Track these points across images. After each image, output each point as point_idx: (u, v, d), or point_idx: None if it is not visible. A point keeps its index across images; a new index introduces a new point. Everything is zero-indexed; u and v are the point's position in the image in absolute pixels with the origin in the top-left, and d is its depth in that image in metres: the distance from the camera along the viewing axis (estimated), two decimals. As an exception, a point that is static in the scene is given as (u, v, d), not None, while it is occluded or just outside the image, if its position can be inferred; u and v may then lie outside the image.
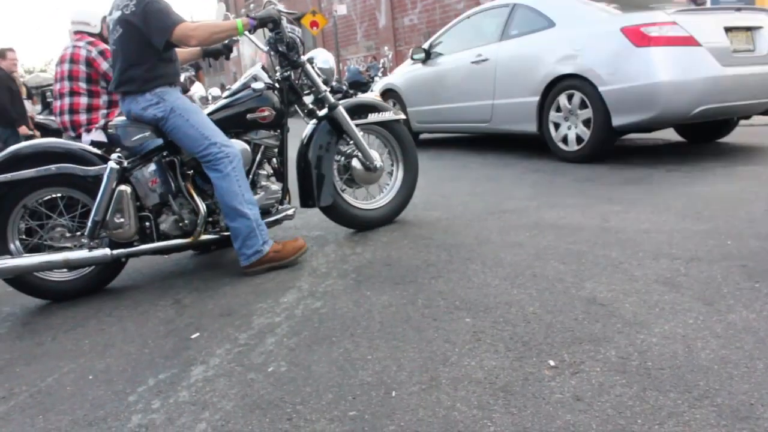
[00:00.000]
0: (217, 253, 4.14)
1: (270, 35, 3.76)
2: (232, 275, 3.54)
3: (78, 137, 4.82)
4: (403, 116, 4.31)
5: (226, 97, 3.77)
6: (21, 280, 3.36)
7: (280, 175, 3.88)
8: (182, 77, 5.16)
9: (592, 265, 3.02)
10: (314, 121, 4.00)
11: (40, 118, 8.32)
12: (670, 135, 7.89)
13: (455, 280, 2.98)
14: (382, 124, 4.19)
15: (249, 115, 3.66)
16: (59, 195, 3.44)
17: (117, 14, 3.36)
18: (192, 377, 2.29)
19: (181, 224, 3.55)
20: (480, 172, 5.99)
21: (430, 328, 2.46)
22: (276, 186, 3.80)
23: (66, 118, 4.88)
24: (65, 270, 3.48)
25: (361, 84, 17.98)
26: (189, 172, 3.58)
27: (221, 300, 3.14)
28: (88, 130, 4.85)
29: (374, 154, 4.06)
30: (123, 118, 3.52)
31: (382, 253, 3.57)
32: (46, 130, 8.32)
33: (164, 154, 3.55)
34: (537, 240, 3.52)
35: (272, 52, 3.84)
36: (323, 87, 3.89)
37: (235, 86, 3.82)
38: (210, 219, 3.62)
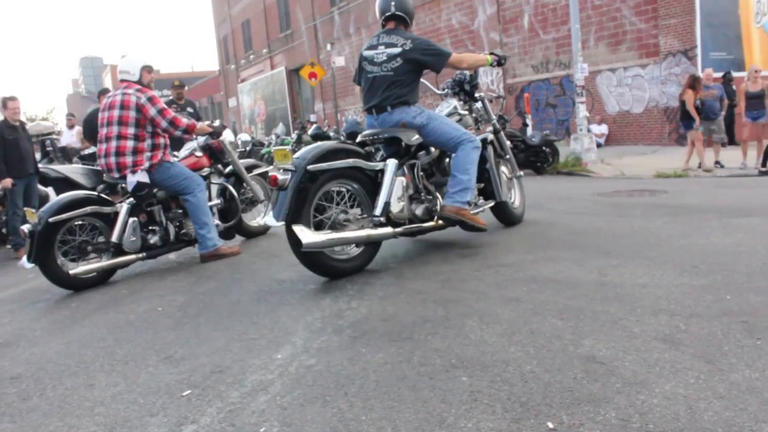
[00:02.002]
0: (211, 302, 4.09)
1: (460, 74, 5.49)
2: (225, 329, 3.49)
3: (122, 178, 5.34)
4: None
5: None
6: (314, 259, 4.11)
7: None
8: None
9: (590, 321, 2.98)
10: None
11: (40, 166, 8.33)
12: (666, 186, 7.93)
13: (452, 337, 2.93)
14: None
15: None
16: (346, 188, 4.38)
17: (391, 51, 4.54)
18: (181, 439, 2.23)
19: (431, 209, 4.74)
20: (476, 224, 5.99)
21: (426, 388, 2.41)
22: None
23: (112, 160, 5.31)
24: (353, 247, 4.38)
25: (358, 134, 18.14)
26: (421, 174, 4.74)
27: (214, 355, 3.08)
28: (134, 172, 5.29)
29: None
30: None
31: (378, 308, 3.52)
32: (45, 179, 8.33)
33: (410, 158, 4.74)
34: (534, 295, 3.48)
35: (455, 89, 5.56)
36: (493, 116, 5.62)
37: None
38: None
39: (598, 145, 14.48)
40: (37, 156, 13.80)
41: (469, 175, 4.59)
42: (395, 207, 4.34)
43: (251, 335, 3.32)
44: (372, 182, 4.41)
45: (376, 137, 4.68)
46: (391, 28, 4.69)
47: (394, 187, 4.34)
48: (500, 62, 5.07)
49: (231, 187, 6.26)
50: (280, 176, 3.96)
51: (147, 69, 5.58)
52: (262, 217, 6.78)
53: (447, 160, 4.98)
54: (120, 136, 5.26)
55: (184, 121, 5.49)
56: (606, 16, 16.28)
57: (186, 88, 10.29)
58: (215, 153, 6.29)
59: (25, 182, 7.80)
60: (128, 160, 5.27)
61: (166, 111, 5.38)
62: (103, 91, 9.64)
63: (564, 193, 8.12)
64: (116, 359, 3.20)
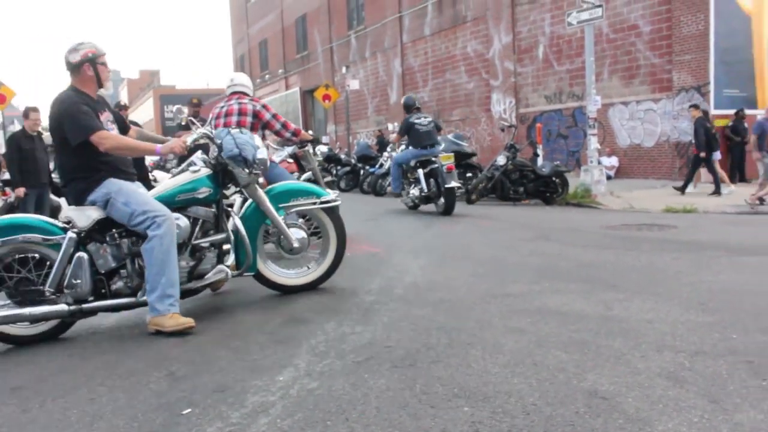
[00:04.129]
0: (216, 323, 4.09)
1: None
2: (228, 348, 3.48)
3: None
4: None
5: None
6: None
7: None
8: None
9: (594, 355, 2.97)
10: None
11: (54, 176, 8.43)
12: (675, 221, 7.91)
13: (455, 366, 2.93)
14: None
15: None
16: None
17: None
18: (180, 458, 2.22)
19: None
20: (484, 253, 5.98)
21: (427, 416, 2.40)
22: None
23: None
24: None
25: (369, 158, 18.17)
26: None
27: (216, 374, 3.08)
28: None
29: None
30: None
31: (383, 334, 3.52)
32: (57, 189, 8.41)
33: None
34: (539, 326, 3.47)
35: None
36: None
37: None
38: None
39: (608, 178, 14.47)
40: (51, 166, 13.95)
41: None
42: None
43: (254, 356, 3.32)
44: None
45: None
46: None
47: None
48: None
49: None
50: None
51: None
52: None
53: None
54: None
55: (293, 126, 6.28)
56: (620, 50, 16.36)
57: (202, 105, 10.39)
58: (298, 160, 6.90)
59: (37, 192, 7.88)
60: None
61: (278, 116, 6.21)
62: (119, 105, 9.70)
63: (572, 224, 8.11)
64: (118, 374, 3.21)
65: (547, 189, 11.62)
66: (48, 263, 3.95)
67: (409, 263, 5.57)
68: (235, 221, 4.46)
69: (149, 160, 12.88)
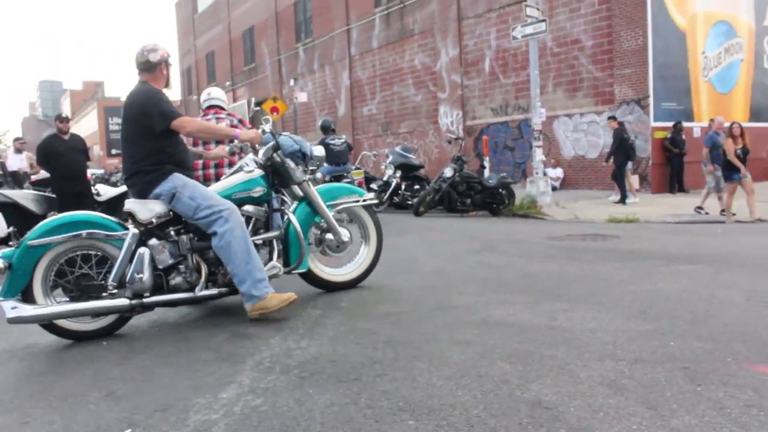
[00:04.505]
0: (160, 339, 4.00)
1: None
2: (171, 365, 3.41)
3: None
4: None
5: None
6: None
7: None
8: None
9: (538, 365, 3.01)
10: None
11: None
12: (618, 231, 8.10)
13: (400, 379, 2.92)
14: None
15: None
16: None
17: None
18: (117, 481, 2.16)
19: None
20: (431, 265, 6.01)
21: (371, 431, 2.39)
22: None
23: (211, 171, 6.00)
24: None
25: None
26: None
27: (158, 393, 3.00)
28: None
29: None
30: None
31: (328, 348, 3.49)
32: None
33: None
34: (484, 338, 3.50)
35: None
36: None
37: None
38: None
39: (554, 189, 14.75)
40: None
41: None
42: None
43: (198, 373, 3.26)
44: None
45: None
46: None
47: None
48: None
49: None
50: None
51: None
52: None
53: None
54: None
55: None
56: (564, 64, 16.74)
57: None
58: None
59: None
60: (225, 170, 5.72)
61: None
62: (60, 117, 9.46)
63: (518, 235, 8.23)
64: (55, 395, 3.10)
65: (493, 200, 11.78)
66: (106, 258, 4.12)
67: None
68: (290, 219, 4.61)
69: (90, 173, 12.67)
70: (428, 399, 2.66)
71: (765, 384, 2.64)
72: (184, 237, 4.26)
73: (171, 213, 4.22)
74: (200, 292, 4.24)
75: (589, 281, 4.88)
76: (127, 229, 4.10)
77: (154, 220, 4.16)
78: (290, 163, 4.67)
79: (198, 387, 3.04)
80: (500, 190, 11.79)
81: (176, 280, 4.23)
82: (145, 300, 4.11)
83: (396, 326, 3.87)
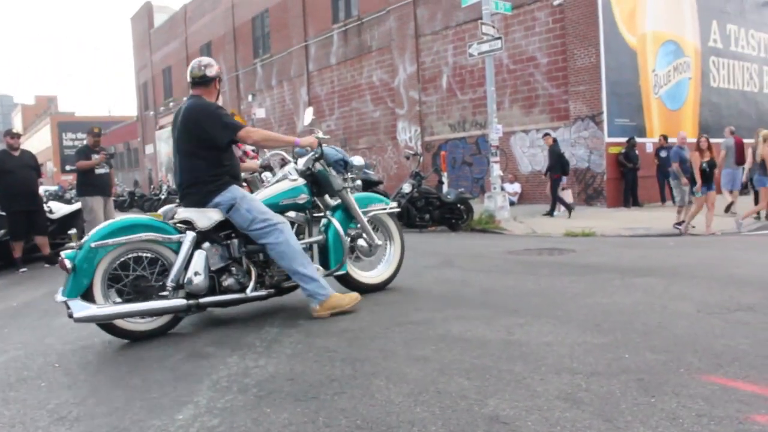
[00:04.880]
0: (114, 360, 3.91)
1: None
2: (126, 387, 3.33)
3: None
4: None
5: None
6: None
7: None
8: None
9: (496, 380, 3.02)
10: None
11: None
12: (574, 245, 8.22)
13: (358, 397, 2.90)
14: None
15: None
16: None
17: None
18: None
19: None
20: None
21: (329, 450, 2.36)
22: None
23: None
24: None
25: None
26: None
27: (112, 416, 2.93)
28: None
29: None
30: None
31: (286, 367, 3.45)
32: None
33: None
34: (442, 354, 3.50)
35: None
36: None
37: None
38: None
39: (512, 204, 14.93)
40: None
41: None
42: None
43: (153, 394, 3.19)
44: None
45: None
46: None
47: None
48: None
49: None
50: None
51: None
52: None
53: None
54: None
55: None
56: (520, 80, 17.02)
57: (103, 134, 10.09)
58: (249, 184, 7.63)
59: None
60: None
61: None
62: (10, 132, 9.25)
63: (476, 250, 8.29)
64: (1, 422, 3.00)
65: (452, 216, 11.85)
66: (160, 261, 4.32)
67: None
68: (333, 223, 4.97)
69: (44, 190, 12.44)
70: (386, 416, 2.65)
71: (715, 394, 2.70)
72: (235, 241, 4.52)
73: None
74: (252, 293, 4.54)
75: (546, 295, 4.93)
76: (180, 232, 4.32)
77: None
78: (332, 172, 5.01)
79: (153, 409, 2.98)
80: (459, 205, 11.87)
81: (228, 281, 4.48)
82: (201, 300, 4.36)
83: (354, 343, 3.85)
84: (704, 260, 6.43)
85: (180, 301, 4.26)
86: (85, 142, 9.69)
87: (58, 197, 20.31)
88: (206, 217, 4.41)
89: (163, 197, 21.64)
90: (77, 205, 10.05)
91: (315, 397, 2.95)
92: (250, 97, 27.38)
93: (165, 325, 4.38)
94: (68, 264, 3.99)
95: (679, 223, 10.70)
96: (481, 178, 18.08)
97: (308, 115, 5.50)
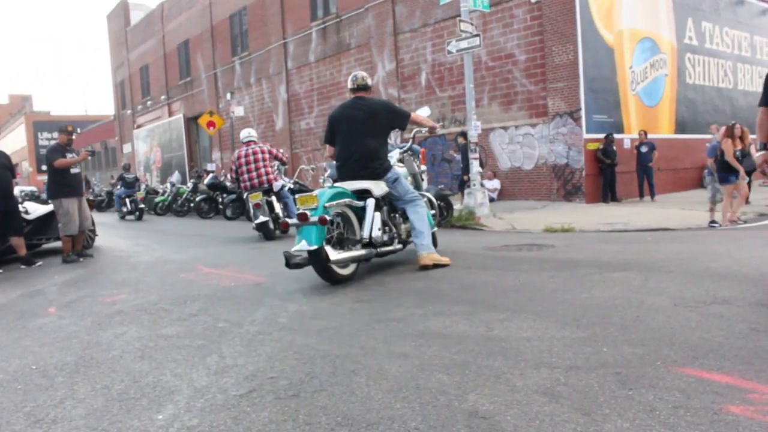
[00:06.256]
0: (91, 359, 3.87)
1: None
2: (104, 387, 3.29)
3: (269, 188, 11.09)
4: None
5: None
6: None
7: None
8: None
9: (475, 375, 3.03)
10: None
11: None
12: (554, 240, 8.27)
13: (338, 394, 2.90)
14: None
15: None
16: None
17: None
18: None
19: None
20: (369, 279, 5.99)
21: (309, 448, 2.36)
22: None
23: (263, 178, 11.08)
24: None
25: (220, 187, 18.53)
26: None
27: (90, 417, 2.90)
28: (275, 179, 11.28)
29: None
30: None
31: (266, 365, 3.44)
32: None
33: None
34: (422, 350, 3.51)
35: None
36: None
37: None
38: None
39: (491, 200, 14.98)
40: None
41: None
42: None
43: (132, 394, 3.16)
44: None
45: None
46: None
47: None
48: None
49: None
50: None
51: None
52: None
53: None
54: (264, 167, 11.13)
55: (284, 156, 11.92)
56: (499, 77, 17.07)
57: (76, 134, 9.95)
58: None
59: None
60: (272, 176, 11.23)
61: (276, 150, 11.74)
62: None
63: (456, 246, 8.30)
64: (-15, 426, 2.96)
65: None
66: (349, 220, 5.91)
67: (294, 291, 5.52)
68: (429, 197, 7.28)
69: (19, 190, 12.38)
70: (367, 413, 2.65)
71: (691, 386, 2.73)
72: (386, 208, 6.20)
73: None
74: (397, 245, 6.33)
75: (525, 291, 4.96)
76: (360, 200, 5.90)
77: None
78: (412, 156, 7.18)
79: (132, 409, 2.96)
80: (438, 202, 11.87)
81: (385, 237, 6.06)
82: (380, 249, 5.99)
83: (334, 340, 3.85)
84: (681, 254, 6.49)
85: (372, 251, 5.87)
86: (56, 140, 9.57)
87: (34, 198, 20.06)
88: (380, 187, 6.03)
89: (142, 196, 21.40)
90: (52, 207, 9.89)
91: (295, 395, 2.95)
92: (228, 95, 27.17)
93: (354, 272, 5.80)
94: (318, 218, 5.26)
95: (713, 221, 10.64)
96: (460, 174, 18.12)
97: (425, 112, 7.26)
